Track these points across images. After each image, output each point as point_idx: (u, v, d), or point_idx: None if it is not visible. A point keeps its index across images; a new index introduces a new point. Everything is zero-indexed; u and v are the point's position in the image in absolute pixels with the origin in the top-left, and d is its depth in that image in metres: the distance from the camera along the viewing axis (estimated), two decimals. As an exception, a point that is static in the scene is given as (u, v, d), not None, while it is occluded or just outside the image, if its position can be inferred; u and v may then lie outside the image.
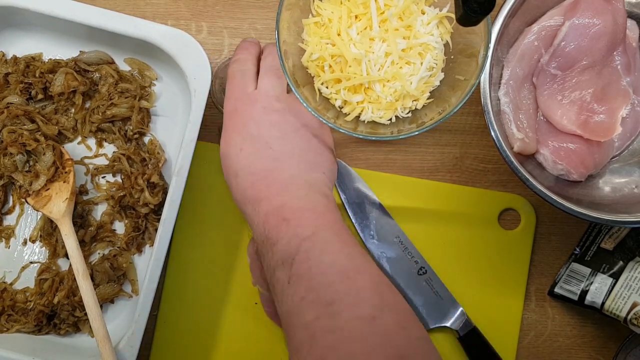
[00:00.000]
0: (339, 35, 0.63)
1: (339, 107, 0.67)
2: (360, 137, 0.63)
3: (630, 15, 0.67)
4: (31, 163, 0.65)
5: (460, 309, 0.68)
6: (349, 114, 0.65)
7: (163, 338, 0.68)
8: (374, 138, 0.63)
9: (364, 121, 0.66)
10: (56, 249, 0.67)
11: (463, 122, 0.71)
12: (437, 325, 0.68)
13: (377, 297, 0.49)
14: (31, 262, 0.67)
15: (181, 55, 0.63)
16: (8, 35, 0.67)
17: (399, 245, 0.69)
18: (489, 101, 0.63)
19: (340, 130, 0.63)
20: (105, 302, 0.66)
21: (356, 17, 0.64)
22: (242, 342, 0.68)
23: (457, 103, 0.62)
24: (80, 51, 0.68)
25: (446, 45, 0.66)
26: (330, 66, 0.64)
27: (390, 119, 0.66)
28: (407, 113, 0.66)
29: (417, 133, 0.62)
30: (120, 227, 0.68)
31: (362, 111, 0.65)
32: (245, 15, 0.71)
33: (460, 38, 0.65)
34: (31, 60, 0.67)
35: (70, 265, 0.64)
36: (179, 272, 0.68)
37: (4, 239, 0.67)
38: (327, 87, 0.66)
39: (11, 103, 0.66)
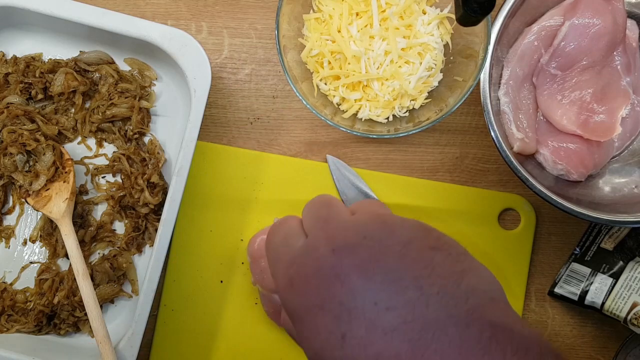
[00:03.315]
0: (339, 31, 0.63)
1: (336, 104, 0.67)
2: (357, 134, 0.63)
3: (630, 15, 0.67)
4: (31, 163, 0.65)
5: (460, 309, 0.68)
6: (347, 111, 0.65)
7: (163, 338, 0.68)
8: (370, 136, 0.63)
9: (362, 119, 0.66)
10: (56, 249, 0.67)
11: (463, 122, 0.71)
12: (437, 325, 0.68)
13: None
14: (31, 262, 0.67)
15: (181, 55, 0.63)
16: (8, 35, 0.67)
17: (398, 245, 0.69)
18: (488, 101, 0.63)
19: (337, 127, 0.63)
20: (105, 302, 0.66)
21: (357, 14, 0.64)
22: (242, 342, 0.68)
23: (454, 104, 0.62)
24: (80, 51, 0.68)
25: (445, 46, 0.66)
26: (329, 62, 0.64)
27: (388, 118, 0.66)
28: (405, 112, 0.66)
29: (414, 132, 0.62)
30: (120, 227, 0.68)
31: (359, 109, 0.65)
32: (245, 15, 0.71)
33: (459, 39, 0.65)
34: (31, 60, 0.67)
35: (70, 265, 0.64)
36: (179, 273, 0.68)
37: (4, 239, 0.67)
38: (325, 84, 0.66)
39: (11, 103, 0.66)
